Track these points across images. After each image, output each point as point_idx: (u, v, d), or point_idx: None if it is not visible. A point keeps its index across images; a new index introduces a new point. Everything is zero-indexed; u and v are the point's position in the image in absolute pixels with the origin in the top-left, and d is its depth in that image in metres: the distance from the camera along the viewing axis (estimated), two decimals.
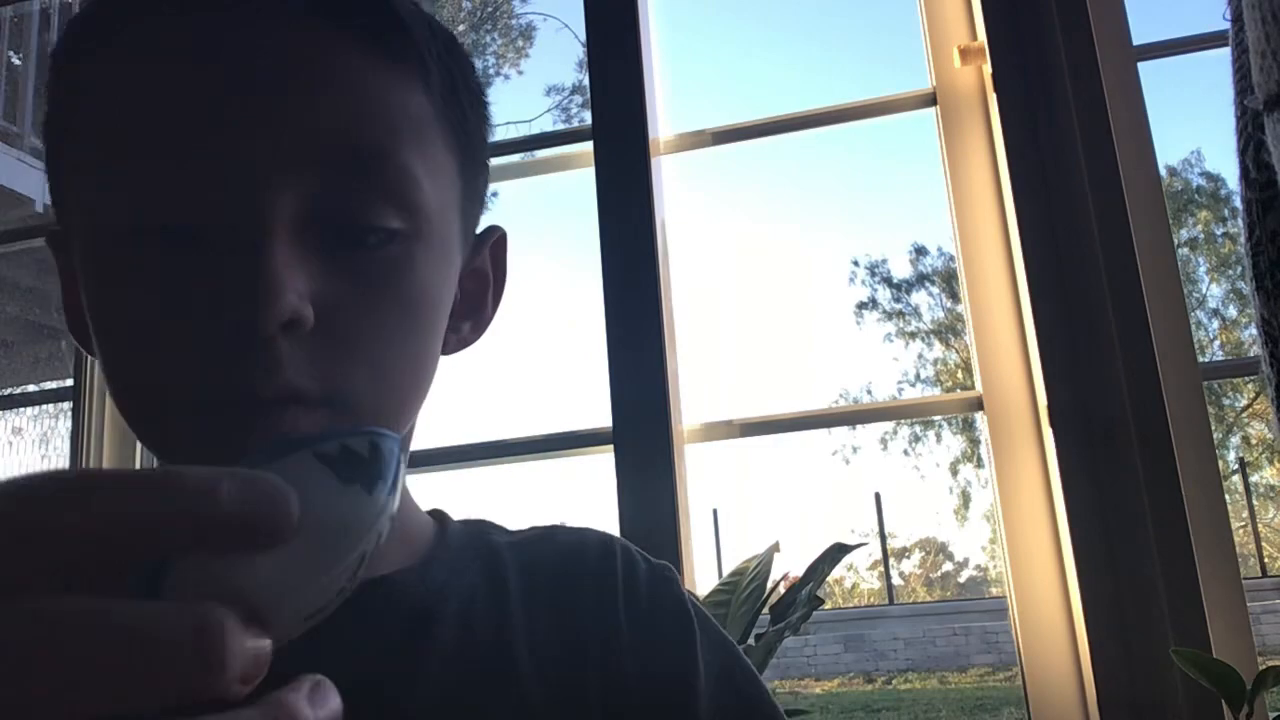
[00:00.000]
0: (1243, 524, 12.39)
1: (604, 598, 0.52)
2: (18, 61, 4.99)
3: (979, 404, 1.27)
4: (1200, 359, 1.20)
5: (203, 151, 0.40)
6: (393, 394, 0.44)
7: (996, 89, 1.28)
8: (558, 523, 0.58)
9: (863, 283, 15.29)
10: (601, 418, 1.33)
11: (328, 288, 0.41)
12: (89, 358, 1.60)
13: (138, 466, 1.58)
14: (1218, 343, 13.69)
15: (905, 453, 15.62)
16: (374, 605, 0.47)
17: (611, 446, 1.30)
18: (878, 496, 13.68)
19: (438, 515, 0.56)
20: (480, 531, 0.55)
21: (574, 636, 0.51)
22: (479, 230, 0.54)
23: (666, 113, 1.44)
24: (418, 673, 0.46)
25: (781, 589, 1.11)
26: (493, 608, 0.50)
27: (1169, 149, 13.89)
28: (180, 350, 0.40)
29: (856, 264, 15.63)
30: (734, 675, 0.53)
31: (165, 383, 0.41)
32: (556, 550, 0.55)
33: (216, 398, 0.40)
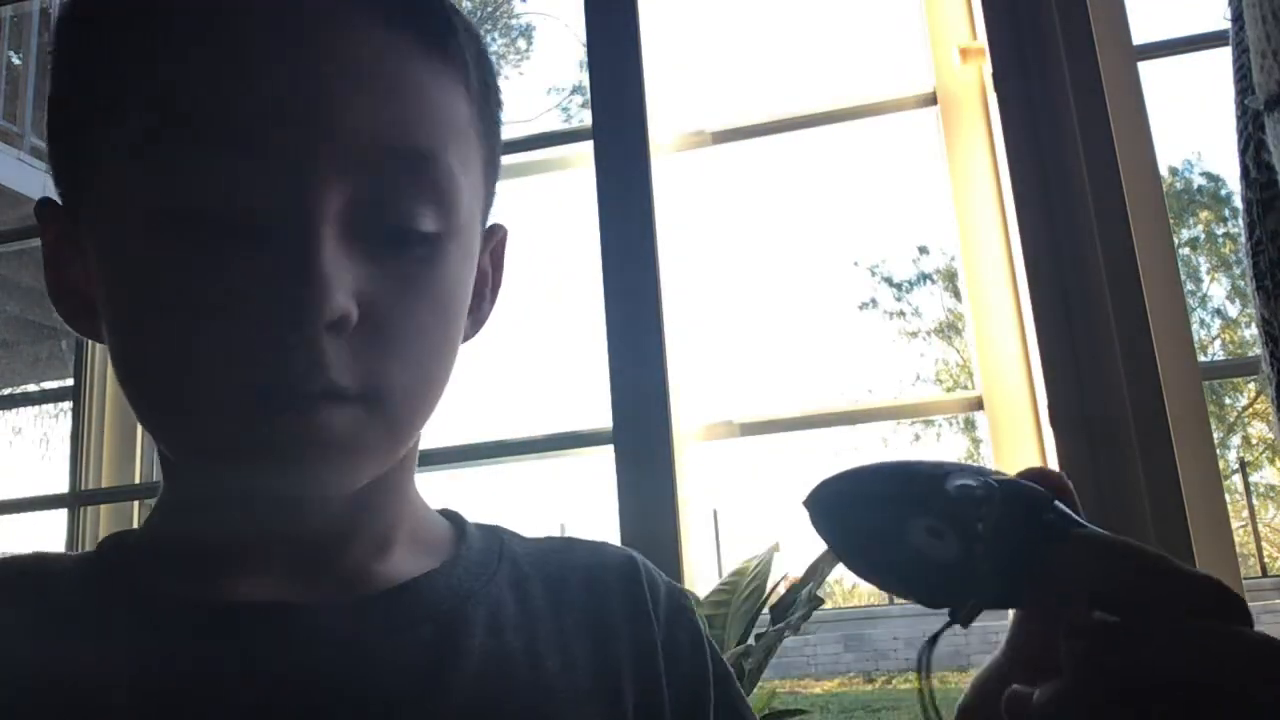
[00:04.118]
0: (1243, 524, 12.39)
1: (636, 617, 0.52)
2: (18, 61, 5.00)
3: (979, 404, 1.27)
4: (1200, 359, 1.20)
5: (263, 144, 0.40)
6: (422, 390, 0.45)
7: (996, 89, 1.28)
8: (573, 535, 0.58)
9: (863, 283, 15.31)
10: (601, 418, 1.33)
11: (369, 286, 0.41)
12: (89, 357, 1.60)
13: (137, 466, 1.58)
14: (1218, 342, 13.70)
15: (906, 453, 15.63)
16: (403, 609, 0.46)
17: (611, 446, 1.30)
18: None
19: (451, 517, 0.55)
20: (497, 537, 0.54)
21: (607, 654, 0.50)
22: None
23: (666, 113, 1.44)
24: (450, 680, 0.45)
25: (781, 589, 1.10)
26: (522, 618, 0.49)
27: (1169, 149, 13.91)
28: (221, 343, 0.40)
29: (856, 264, 15.65)
30: (736, 707, 0.54)
31: (200, 375, 0.40)
32: (581, 565, 0.54)
33: (254, 393, 0.40)
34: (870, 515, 0.28)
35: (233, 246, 0.40)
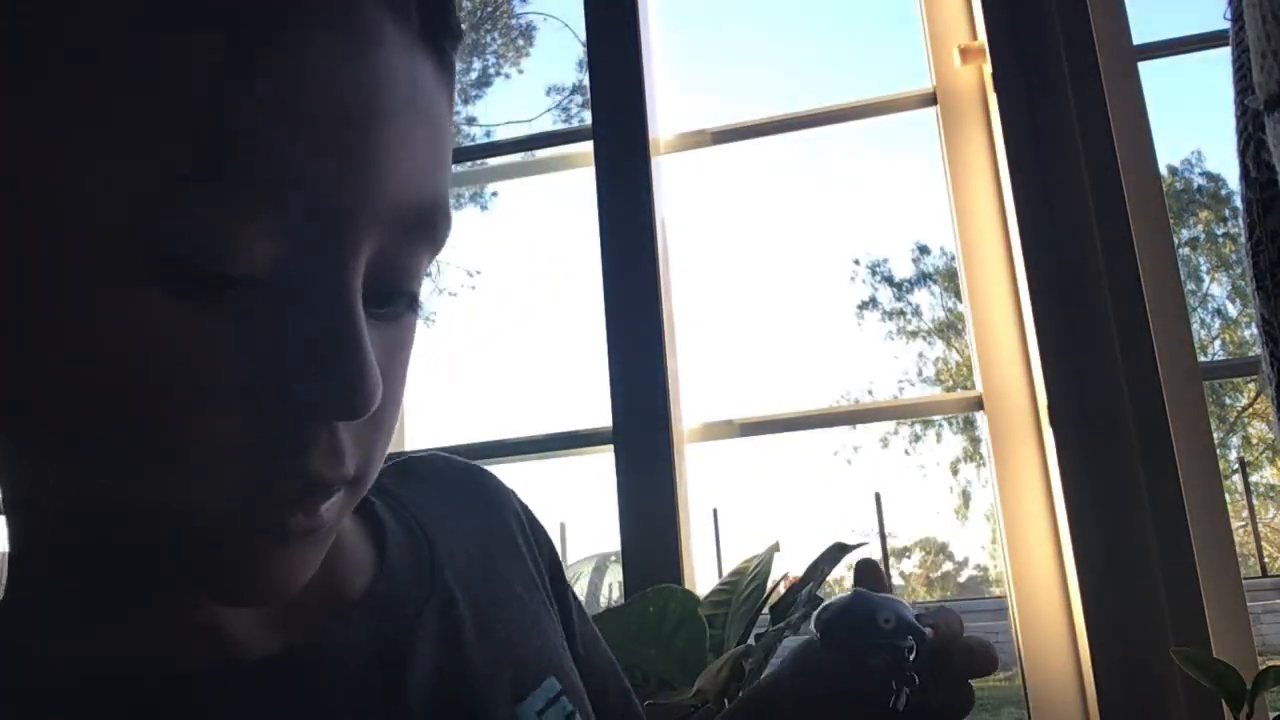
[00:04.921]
0: (1243, 524, 12.40)
1: (522, 528, 0.55)
2: None
3: (979, 404, 1.27)
4: (1201, 359, 1.20)
5: (304, 193, 0.31)
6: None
7: (996, 89, 1.28)
8: (400, 460, 0.54)
9: (863, 282, 15.32)
10: (601, 418, 1.33)
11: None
12: None
13: None
14: (1219, 342, 13.70)
15: (905, 452, 15.63)
16: (398, 605, 0.44)
17: (611, 446, 1.30)
18: (878, 496, 13.69)
19: None
20: (378, 488, 0.49)
21: (526, 569, 0.52)
22: None
23: (666, 113, 1.44)
24: (468, 646, 0.45)
25: (781, 589, 1.10)
26: (469, 564, 0.49)
27: (1169, 149, 13.93)
28: (239, 424, 0.32)
29: (857, 264, 15.65)
30: (586, 613, 0.58)
31: (206, 452, 0.32)
32: (467, 487, 0.54)
33: (267, 481, 0.33)
34: (846, 641, 0.50)
35: (253, 312, 0.32)
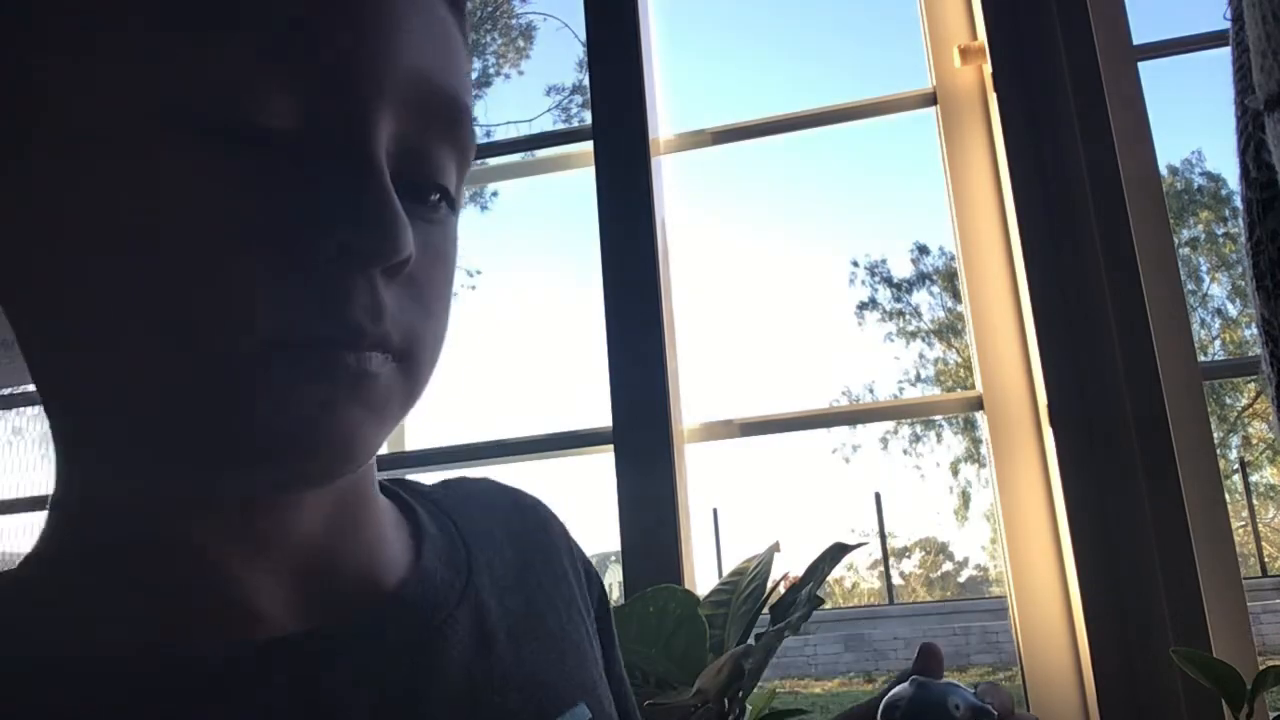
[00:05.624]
0: (1243, 524, 12.40)
1: (568, 552, 0.53)
2: None
3: (979, 404, 1.27)
4: (1201, 358, 1.20)
5: (320, 49, 0.34)
6: (436, 364, 0.39)
7: (996, 89, 1.28)
8: (448, 479, 0.54)
9: (863, 283, 15.33)
10: (601, 418, 1.33)
11: None
12: None
13: None
14: (1219, 342, 13.70)
15: (905, 452, 15.65)
16: (435, 601, 0.43)
17: (611, 446, 1.30)
18: (878, 496, 13.71)
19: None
20: (415, 493, 0.50)
21: (566, 595, 0.51)
22: None
23: (666, 113, 1.44)
24: (497, 658, 0.43)
25: (781, 589, 1.10)
26: (507, 576, 0.47)
27: (1169, 149, 13.94)
28: (265, 280, 0.33)
29: (856, 264, 15.66)
30: (615, 638, 0.56)
31: (229, 319, 0.33)
32: (508, 509, 0.52)
33: (305, 331, 0.33)
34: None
35: (279, 163, 0.34)
